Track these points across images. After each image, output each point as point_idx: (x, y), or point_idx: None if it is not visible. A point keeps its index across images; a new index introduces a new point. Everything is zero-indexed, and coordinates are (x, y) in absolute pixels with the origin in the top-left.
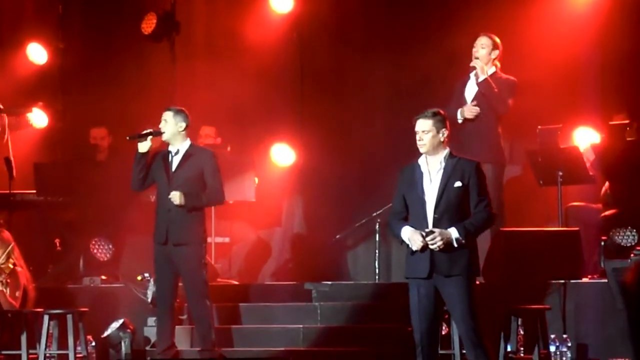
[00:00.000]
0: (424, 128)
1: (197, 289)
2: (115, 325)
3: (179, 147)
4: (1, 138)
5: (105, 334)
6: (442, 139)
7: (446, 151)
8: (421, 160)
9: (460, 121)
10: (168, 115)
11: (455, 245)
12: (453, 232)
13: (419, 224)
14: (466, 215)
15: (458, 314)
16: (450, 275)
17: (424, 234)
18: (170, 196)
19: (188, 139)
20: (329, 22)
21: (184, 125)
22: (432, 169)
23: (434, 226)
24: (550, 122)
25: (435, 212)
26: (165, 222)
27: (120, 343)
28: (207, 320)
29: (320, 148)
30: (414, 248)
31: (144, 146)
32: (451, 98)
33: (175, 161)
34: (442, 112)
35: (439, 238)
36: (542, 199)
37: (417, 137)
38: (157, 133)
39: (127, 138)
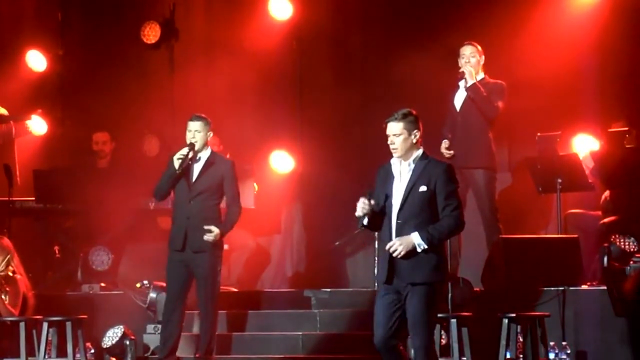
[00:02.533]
0: (395, 131)
1: (210, 295)
2: (114, 333)
3: (200, 155)
4: (8, 143)
5: (109, 343)
6: (414, 141)
7: (418, 152)
8: (394, 161)
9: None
10: (199, 126)
11: (419, 250)
12: (415, 238)
13: (388, 227)
14: (434, 221)
15: (411, 324)
16: (412, 283)
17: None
18: (208, 237)
19: (209, 146)
20: (327, 29)
21: (211, 134)
22: (403, 171)
23: (397, 231)
24: (549, 129)
25: (398, 218)
26: (183, 229)
27: (126, 351)
28: (213, 327)
29: (320, 155)
30: (358, 213)
31: (182, 164)
32: (447, 113)
33: (197, 169)
34: (413, 112)
35: (398, 243)
36: (541, 206)
37: (389, 141)
38: (192, 148)
39: (178, 171)
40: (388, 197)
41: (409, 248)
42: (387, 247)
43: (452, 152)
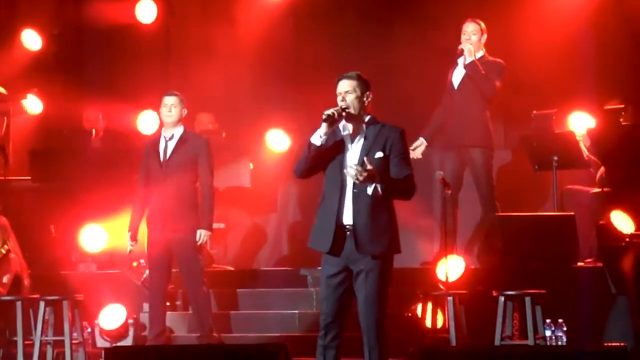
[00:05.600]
0: (347, 88)
1: (194, 275)
2: (114, 313)
3: (173, 132)
4: (2, 122)
5: (111, 324)
6: (366, 103)
7: (368, 117)
8: (342, 126)
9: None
10: (175, 100)
11: (370, 192)
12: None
13: (334, 191)
14: None
15: (367, 300)
16: (367, 255)
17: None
18: (199, 240)
19: (181, 124)
20: (324, 6)
21: (186, 111)
22: (353, 135)
23: (353, 202)
24: (545, 107)
25: (354, 187)
26: (161, 208)
27: (129, 331)
28: (205, 306)
29: None
30: (327, 112)
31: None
32: (444, 89)
33: (170, 146)
34: (365, 76)
35: (362, 169)
36: (538, 183)
37: (340, 98)
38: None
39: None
40: (337, 166)
41: (368, 180)
42: (351, 168)
43: (420, 156)
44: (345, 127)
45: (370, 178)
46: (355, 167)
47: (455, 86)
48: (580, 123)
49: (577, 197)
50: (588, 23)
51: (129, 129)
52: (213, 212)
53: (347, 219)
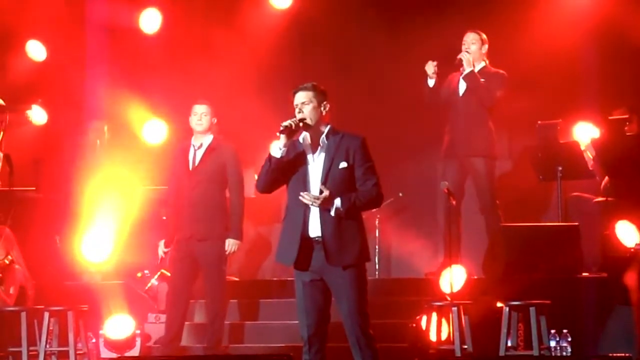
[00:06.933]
0: (304, 99)
1: (218, 284)
2: (121, 324)
3: (202, 140)
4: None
5: (118, 335)
6: (323, 113)
7: (328, 127)
8: (302, 138)
9: None
10: (206, 109)
11: (332, 214)
12: (336, 201)
13: (299, 205)
14: None
15: (349, 311)
16: (338, 266)
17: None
18: (228, 249)
19: (211, 133)
20: (328, 18)
21: (215, 120)
22: (313, 146)
23: (320, 214)
24: (549, 117)
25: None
26: (189, 217)
27: (136, 342)
28: (221, 316)
29: None
30: (284, 124)
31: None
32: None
33: (199, 155)
34: (321, 86)
35: (314, 197)
36: (542, 194)
37: (297, 111)
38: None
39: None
40: (300, 178)
41: (325, 205)
42: (303, 198)
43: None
44: (305, 139)
45: (328, 202)
46: (307, 196)
47: (460, 95)
48: (585, 133)
49: (583, 205)
50: (592, 33)
51: (134, 139)
52: (242, 221)
53: (315, 231)
